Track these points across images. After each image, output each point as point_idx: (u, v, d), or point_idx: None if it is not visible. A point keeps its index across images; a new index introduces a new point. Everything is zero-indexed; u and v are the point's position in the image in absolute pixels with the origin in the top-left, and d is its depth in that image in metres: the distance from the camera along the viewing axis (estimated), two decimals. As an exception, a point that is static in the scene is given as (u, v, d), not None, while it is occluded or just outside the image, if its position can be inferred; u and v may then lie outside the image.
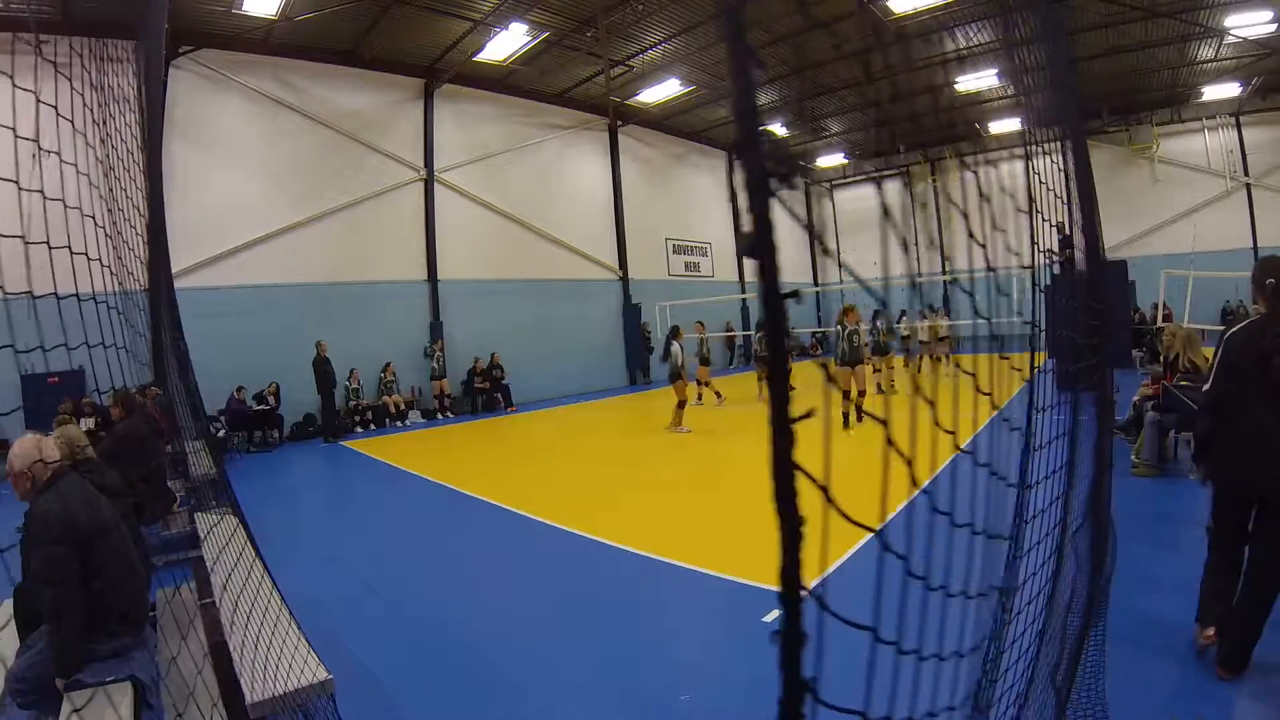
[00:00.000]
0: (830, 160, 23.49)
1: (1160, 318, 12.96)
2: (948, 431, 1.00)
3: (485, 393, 15.06)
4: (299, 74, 13.27)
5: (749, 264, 0.57)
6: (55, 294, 1.89)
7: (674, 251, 21.01)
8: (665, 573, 4.59)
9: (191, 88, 11.91)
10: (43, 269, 2.06)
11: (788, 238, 0.55)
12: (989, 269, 1.23)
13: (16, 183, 1.73)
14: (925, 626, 0.86)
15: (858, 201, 23.90)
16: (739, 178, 0.56)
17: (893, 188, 22.40)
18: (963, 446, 1.07)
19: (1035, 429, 1.68)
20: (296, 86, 13.30)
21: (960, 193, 1.19)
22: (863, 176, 23.78)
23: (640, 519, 5.90)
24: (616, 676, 3.33)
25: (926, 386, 1.05)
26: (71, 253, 2.21)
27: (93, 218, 2.69)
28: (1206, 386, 2.95)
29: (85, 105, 3.16)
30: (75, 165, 2.68)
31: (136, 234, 4.47)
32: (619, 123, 18.63)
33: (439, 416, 14.27)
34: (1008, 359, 1.36)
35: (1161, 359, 6.71)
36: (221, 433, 10.99)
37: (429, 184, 15.11)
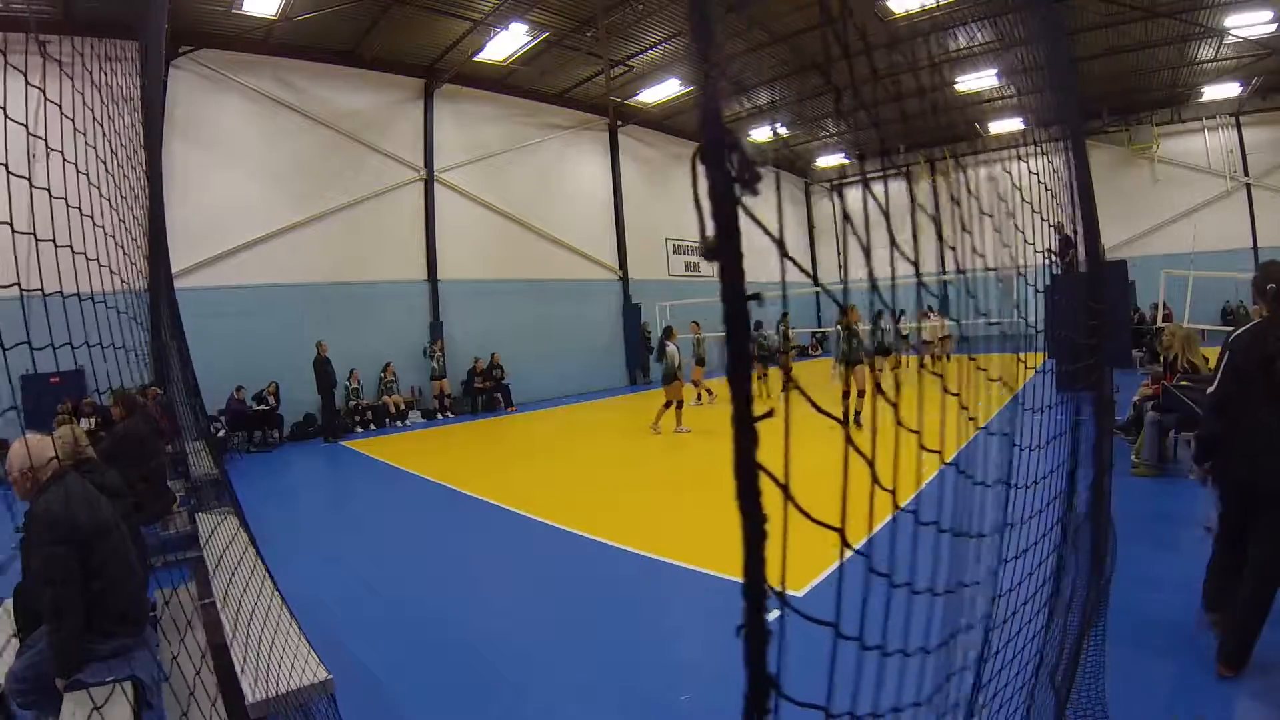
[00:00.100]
0: (829, 160, 23.48)
1: (1160, 318, 12.94)
2: (933, 452, 1.01)
3: (485, 393, 15.06)
4: (299, 74, 13.27)
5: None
6: (60, 292, 1.90)
7: (674, 251, 21.00)
8: (665, 573, 4.59)
9: (191, 88, 11.91)
10: (49, 271, 2.06)
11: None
12: (988, 269, 1.23)
13: (29, 179, 1.73)
14: (888, 623, 0.88)
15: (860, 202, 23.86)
16: (702, 185, 0.54)
17: (897, 188, 22.34)
18: (949, 460, 1.07)
19: (1020, 428, 1.68)
20: (296, 86, 13.30)
21: (961, 193, 1.19)
22: (859, 177, 23.69)
23: (640, 519, 5.89)
24: (616, 676, 3.33)
25: (916, 392, 1.06)
26: (73, 252, 2.21)
27: (92, 218, 2.69)
28: (1212, 389, 3.00)
29: (86, 105, 3.15)
30: (75, 165, 2.68)
31: (136, 234, 4.47)
32: (619, 123, 18.62)
33: (439, 416, 14.27)
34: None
35: (1161, 359, 6.71)
36: (221, 433, 10.99)
37: (429, 184, 15.11)
